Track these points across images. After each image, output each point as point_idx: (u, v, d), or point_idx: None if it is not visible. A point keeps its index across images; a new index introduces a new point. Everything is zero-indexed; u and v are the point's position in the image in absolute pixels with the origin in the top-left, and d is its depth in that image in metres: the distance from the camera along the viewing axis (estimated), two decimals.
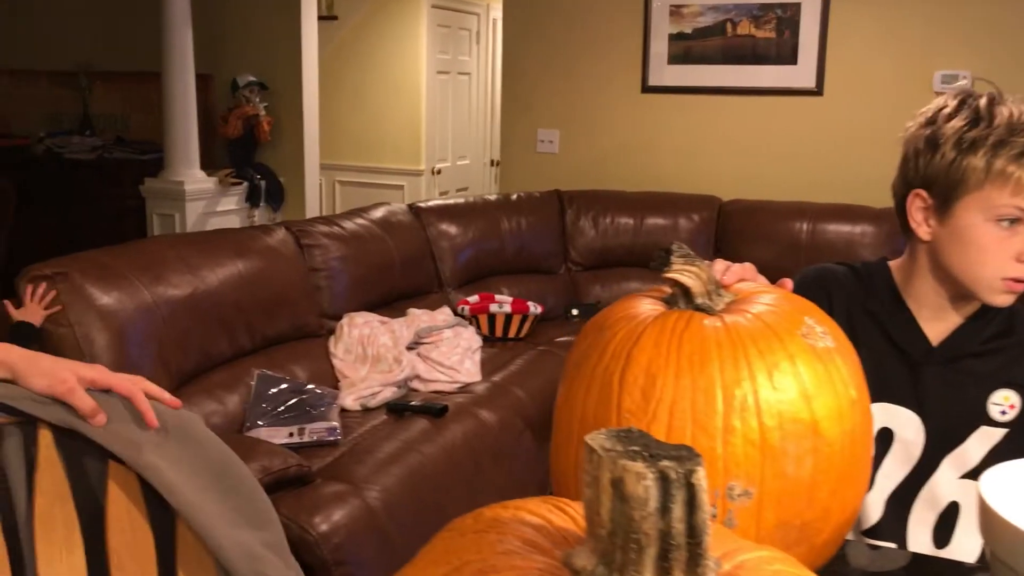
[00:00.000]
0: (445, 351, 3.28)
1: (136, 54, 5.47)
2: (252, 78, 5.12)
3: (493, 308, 3.74)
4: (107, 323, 2.41)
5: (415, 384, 3.16)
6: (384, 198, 4.93)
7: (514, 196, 4.37)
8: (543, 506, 0.66)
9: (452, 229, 3.96)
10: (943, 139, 1.26)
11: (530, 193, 4.43)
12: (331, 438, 2.63)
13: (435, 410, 2.85)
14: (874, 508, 1.34)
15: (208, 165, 4.98)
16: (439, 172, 6.64)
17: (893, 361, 1.33)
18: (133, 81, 5.68)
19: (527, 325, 3.78)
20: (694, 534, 0.55)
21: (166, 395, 1.10)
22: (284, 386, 2.78)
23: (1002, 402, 1.30)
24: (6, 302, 2.38)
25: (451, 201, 4.23)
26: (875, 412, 1.08)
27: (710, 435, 0.87)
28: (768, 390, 0.88)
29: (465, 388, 3.14)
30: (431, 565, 0.61)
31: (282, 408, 2.71)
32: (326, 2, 6.27)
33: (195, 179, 4.77)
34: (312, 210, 5.33)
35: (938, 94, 3.87)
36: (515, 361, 3.45)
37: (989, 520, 0.90)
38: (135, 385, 1.07)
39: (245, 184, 5.09)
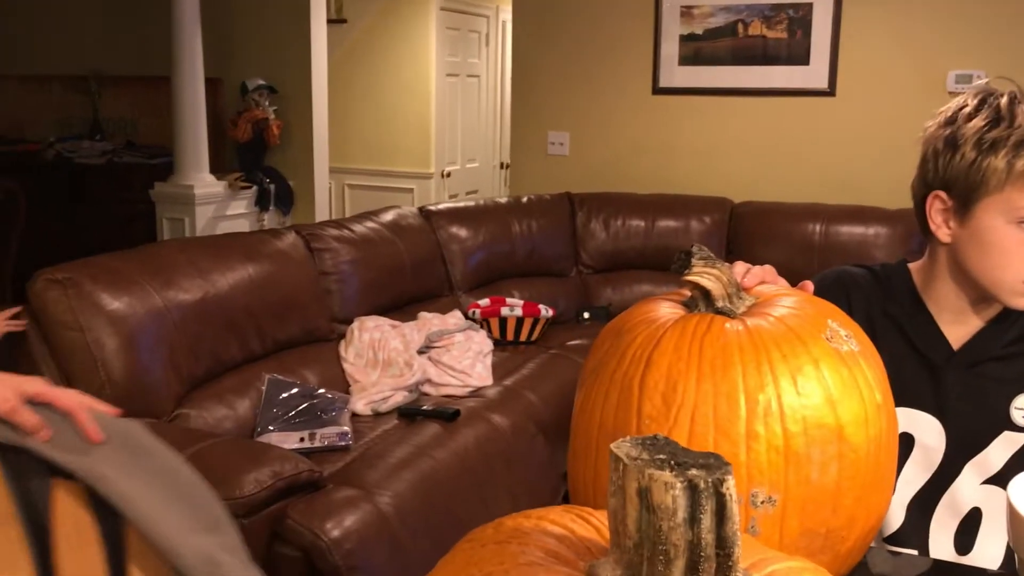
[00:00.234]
0: (456, 355, 3.26)
1: (146, 58, 5.48)
2: (261, 82, 5.12)
3: (504, 311, 3.73)
4: (117, 328, 2.41)
5: (426, 388, 3.14)
6: (394, 201, 4.93)
7: (524, 199, 4.36)
8: (565, 515, 0.64)
9: (462, 232, 3.95)
10: (963, 139, 1.23)
11: (540, 196, 4.42)
12: (342, 443, 2.62)
13: (447, 414, 2.84)
14: (895, 514, 1.32)
15: (218, 169, 4.99)
16: (449, 175, 6.63)
17: (913, 365, 1.31)
18: (143, 85, 5.69)
19: (538, 328, 3.77)
20: (724, 545, 0.54)
21: (105, 406, 1.09)
22: (295, 391, 2.77)
23: None
24: None
25: (461, 204, 4.22)
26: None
27: (733, 441, 0.85)
28: (792, 395, 0.86)
29: (477, 392, 3.13)
30: None
31: (293, 413, 2.70)
32: (335, 5, 6.27)
33: (205, 183, 4.77)
34: (322, 213, 5.32)
35: (952, 94, 3.86)
36: (527, 365, 3.44)
37: (1019, 528, 0.88)
38: (75, 399, 1.05)
39: (255, 188, 5.08)
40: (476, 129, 7.02)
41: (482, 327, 3.65)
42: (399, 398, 2.99)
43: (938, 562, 1.22)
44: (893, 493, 1.30)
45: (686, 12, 4.49)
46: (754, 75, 4.41)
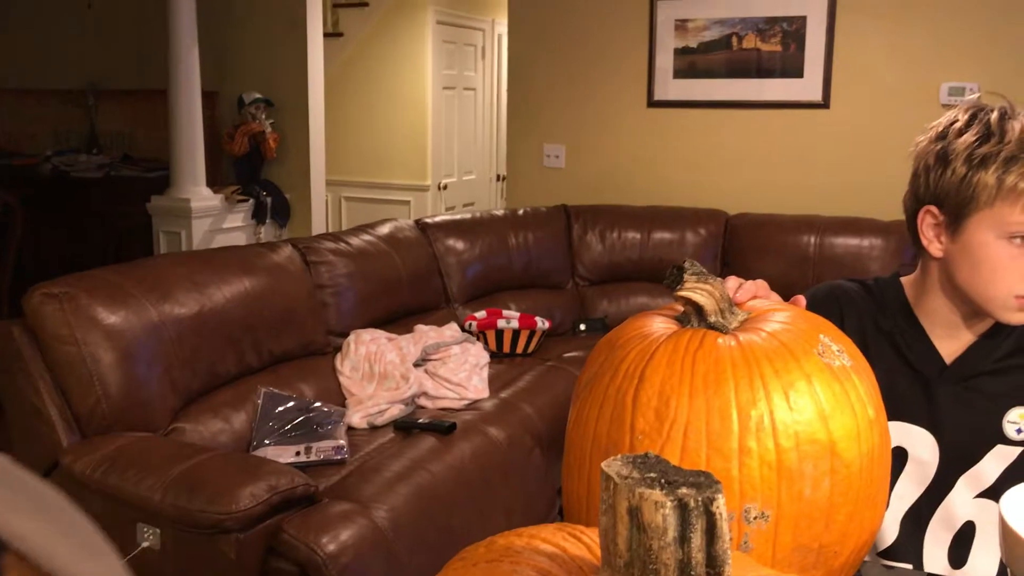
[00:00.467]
0: (453, 367, 3.26)
1: (142, 72, 5.49)
2: (258, 95, 5.13)
3: (501, 324, 3.73)
4: (114, 342, 2.41)
5: (423, 401, 3.14)
6: (390, 214, 4.93)
7: (521, 211, 4.37)
8: (557, 534, 0.65)
9: (459, 245, 3.96)
10: (954, 154, 1.23)
11: (537, 208, 4.42)
12: (338, 457, 2.62)
13: (443, 427, 2.84)
14: (889, 528, 1.32)
15: (214, 182, 4.99)
16: (445, 187, 6.64)
17: (906, 379, 1.32)
18: (139, 99, 5.70)
19: (535, 340, 3.77)
20: (714, 564, 0.54)
21: None
22: (291, 404, 2.77)
23: (1018, 420, 1.28)
24: None
25: (458, 216, 4.22)
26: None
27: (725, 457, 0.85)
28: (784, 410, 0.86)
29: (473, 405, 3.13)
30: None
31: (289, 427, 2.70)
32: (332, 19, 6.29)
33: (201, 196, 4.77)
34: (318, 226, 5.33)
35: (945, 106, 3.88)
36: (523, 377, 3.44)
37: (1011, 541, 0.88)
38: None
39: (251, 201, 5.09)
40: (472, 142, 7.03)
41: (478, 339, 3.65)
42: (395, 411, 2.99)
43: None
44: (887, 508, 1.31)
45: (680, 25, 4.51)
46: (748, 88, 4.43)
